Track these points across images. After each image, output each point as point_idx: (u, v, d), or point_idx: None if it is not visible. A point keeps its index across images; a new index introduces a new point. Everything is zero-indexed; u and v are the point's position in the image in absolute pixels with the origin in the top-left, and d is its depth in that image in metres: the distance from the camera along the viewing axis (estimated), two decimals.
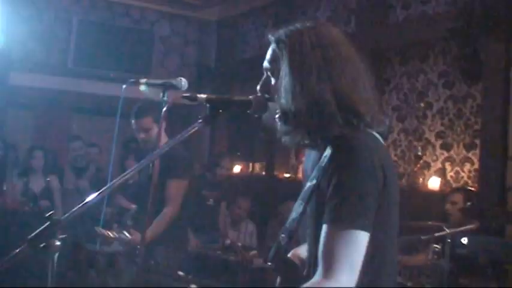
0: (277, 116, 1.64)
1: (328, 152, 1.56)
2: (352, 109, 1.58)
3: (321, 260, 1.46)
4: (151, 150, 3.68)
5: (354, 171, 1.49)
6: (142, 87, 2.88)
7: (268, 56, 1.69)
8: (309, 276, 1.55)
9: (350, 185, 1.48)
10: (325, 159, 1.55)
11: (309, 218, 1.66)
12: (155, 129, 3.69)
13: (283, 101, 1.60)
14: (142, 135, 3.77)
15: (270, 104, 1.68)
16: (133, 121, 3.79)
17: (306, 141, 1.65)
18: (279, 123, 1.64)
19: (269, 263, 1.71)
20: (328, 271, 1.43)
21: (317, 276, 1.47)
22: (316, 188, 1.58)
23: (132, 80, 2.97)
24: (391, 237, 1.62)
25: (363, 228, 1.46)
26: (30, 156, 5.97)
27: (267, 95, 1.68)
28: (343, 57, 1.61)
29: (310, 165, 1.71)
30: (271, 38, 1.69)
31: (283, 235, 1.65)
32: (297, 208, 1.65)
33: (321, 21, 1.74)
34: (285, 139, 1.67)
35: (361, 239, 1.45)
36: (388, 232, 1.60)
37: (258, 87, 1.70)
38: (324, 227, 1.48)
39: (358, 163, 1.50)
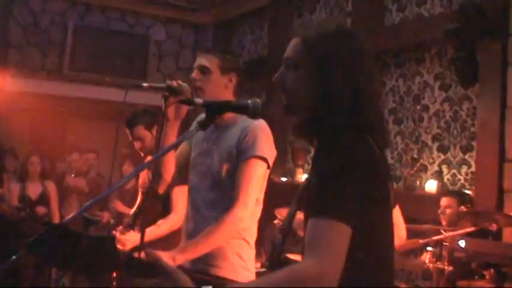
0: (287, 106, 1.66)
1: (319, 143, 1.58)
2: (364, 114, 1.60)
3: (306, 247, 1.46)
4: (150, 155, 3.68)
5: (342, 160, 1.50)
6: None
7: (291, 48, 1.69)
8: None
9: (335, 175, 1.48)
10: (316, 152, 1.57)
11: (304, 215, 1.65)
12: (149, 137, 3.68)
13: (302, 93, 1.62)
14: (138, 145, 3.76)
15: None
16: (127, 131, 3.79)
17: (312, 135, 1.67)
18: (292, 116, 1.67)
19: (266, 266, 1.70)
20: (309, 255, 1.43)
21: (300, 261, 1.47)
22: (307, 185, 1.58)
23: (133, 84, 2.95)
24: (385, 236, 1.62)
25: (344, 219, 1.44)
26: (26, 161, 5.95)
27: (281, 87, 1.69)
28: (366, 63, 1.67)
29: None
30: (297, 31, 1.71)
31: (279, 235, 1.66)
32: (291, 208, 1.66)
33: (344, 23, 1.77)
34: (295, 132, 1.68)
35: (341, 230, 1.44)
36: (380, 231, 1.60)
37: (275, 78, 1.71)
38: (310, 219, 1.48)
39: (349, 153, 1.52)
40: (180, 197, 3.43)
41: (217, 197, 2.46)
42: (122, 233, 3.39)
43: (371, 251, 1.54)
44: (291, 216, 1.67)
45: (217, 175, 2.47)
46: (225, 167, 2.45)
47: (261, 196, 2.53)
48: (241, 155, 2.43)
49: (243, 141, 2.43)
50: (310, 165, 1.61)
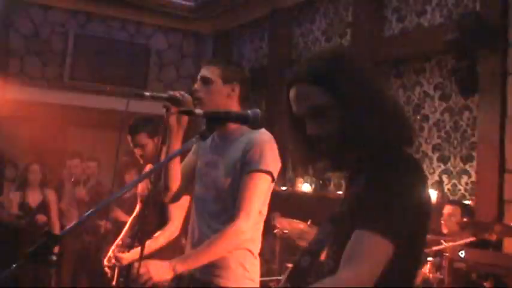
0: (335, 151, 1.59)
1: (369, 168, 1.55)
2: (399, 133, 1.59)
3: (346, 255, 1.45)
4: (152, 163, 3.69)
5: (402, 186, 1.49)
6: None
7: (306, 98, 1.58)
8: None
9: (390, 192, 1.47)
10: (369, 178, 1.53)
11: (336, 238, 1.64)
12: (151, 145, 3.69)
13: (340, 133, 1.55)
14: (138, 152, 3.77)
15: None
16: (129, 138, 3.80)
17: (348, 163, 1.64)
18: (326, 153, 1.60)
19: (288, 286, 1.67)
20: (351, 265, 1.43)
21: (338, 271, 1.45)
22: (349, 212, 1.56)
23: (134, 93, 2.96)
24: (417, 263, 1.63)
25: (390, 237, 1.44)
26: (27, 170, 5.96)
27: (318, 138, 1.59)
28: (377, 80, 1.63)
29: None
30: (301, 78, 1.59)
31: (306, 257, 1.61)
32: (324, 228, 1.63)
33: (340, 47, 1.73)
34: (333, 166, 1.65)
35: (385, 246, 1.43)
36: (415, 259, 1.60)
37: (313, 133, 1.59)
38: (357, 230, 1.46)
39: (410, 179, 1.51)
40: (177, 207, 3.44)
41: (222, 209, 2.46)
42: (120, 251, 3.39)
43: (403, 270, 1.54)
44: (324, 239, 1.64)
45: (222, 187, 2.48)
46: (229, 180, 2.46)
47: (265, 209, 2.54)
48: (245, 167, 2.43)
49: (247, 154, 2.43)
50: (356, 186, 1.58)
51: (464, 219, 4.40)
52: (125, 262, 3.27)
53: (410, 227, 1.49)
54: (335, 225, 1.61)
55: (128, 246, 3.39)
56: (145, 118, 3.75)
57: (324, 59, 1.61)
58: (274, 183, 2.51)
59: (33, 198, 5.86)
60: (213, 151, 2.58)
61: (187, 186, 2.66)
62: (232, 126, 2.49)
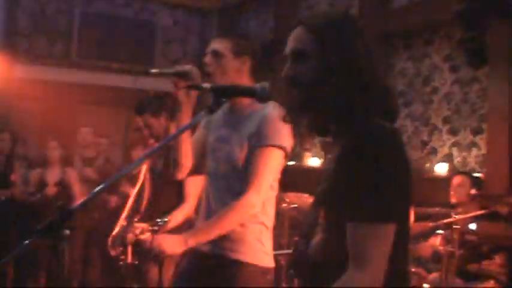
0: (301, 102, 1.59)
1: (350, 142, 1.50)
2: (383, 100, 1.57)
3: (351, 255, 1.44)
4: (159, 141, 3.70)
5: (383, 162, 1.45)
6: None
7: (297, 38, 1.61)
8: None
9: (375, 173, 1.44)
10: (346, 150, 1.50)
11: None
12: (156, 123, 3.69)
13: (313, 85, 1.56)
14: (146, 132, 3.76)
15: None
16: (136, 118, 3.80)
17: (328, 129, 1.62)
18: (302, 109, 1.60)
19: (291, 273, 1.68)
20: (356, 265, 1.42)
21: (348, 271, 1.44)
22: (333, 188, 1.54)
23: (142, 70, 2.95)
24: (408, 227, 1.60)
25: (389, 219, 1.43)
26: (45, 147, 5.94)
27: (292, 80, 1.61)
28: (371, 47, 1.61)
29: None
30: (302, 22, 1.63)
31: (302, 240, 1.62)
32: (313, 210, 1.63)
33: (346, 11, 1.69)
34: (307, 125, 1.64)
35: (386, 231, 1.43)
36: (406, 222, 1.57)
37: (284, 73, 1.63)
38: (350, 223, 1.45)
39: (390, 153, 1.47)
40: (193, 185, 3.45)
41: (234, 183, 2.45)
42: (141, 233, 3.38)
43: (400, 244, 1.51)
44: (313, 222, 1.63)
45: (234, 162, 2.47)
46: (242, 154, 2.45)
47: (275, 183, 2.53)
48: (258, 142, 2.42)
49: (260, 129, 2.43)
50: (334, 158, 1.54)
51: (473, 191, 4.38)
52: (130, 242, 3.27)
53: (401, 201, 1.48)
54: (322, 206, 1.60)
55: (154, 231, 3.38)
56: (148, 98, 3.74)
57: (328, 13, 1.68)
58: (287, 158, 2.50)
59: (52, 175, 5.85)
60: (226, 126, 2.57)
61: (199, 161, 2.65)
62: (245, 101, 2.47)
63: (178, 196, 3.54)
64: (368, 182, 1.43)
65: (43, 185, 5.79)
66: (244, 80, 2.52)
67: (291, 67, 1.61)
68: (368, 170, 1.44)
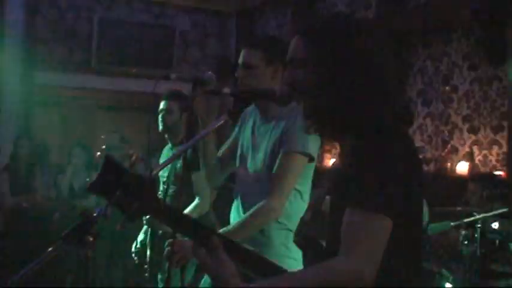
0: (306, 112, 1.60)
1: (358, 142, 1.51)
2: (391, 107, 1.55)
3: (342, 241, 1.43)
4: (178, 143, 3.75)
5: (383, 154, 1.46)
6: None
7: (297, 49, 1.62)
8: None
9: (374, 166, 1.44)
10: (353, 150, 1.51)
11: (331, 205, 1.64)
12: (176, 115, 3.74)
13: (317, 95, 1.55)
14: (166, 117, 3.81)
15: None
16: (162, 102, 3.85)
17: (334, 136, 1.64)
18: (307, 119, 1.61)
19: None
20: (346, 250, 1.40)
21: (337, 257, 1.43)
22: (339, 172, 1.56)
23: (162, 75, 2.98)
24: (418, 232, 1.59)
25: (383, 211, 1.41)
26: (70, 153, 6.01)
27: (293, 89, 1.62)
28: (379, 51, 1.58)
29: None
30: (301, 31, 1.64)
31: (308, 212, 1.64)
32: (321, 188, 1.65)
33: (344, 13, 1.69)
34: (321, 132, 1.65)
35: (380, 222, 1.41)
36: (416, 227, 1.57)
37: (286, 82, 1.64)
38: (346, 211, 1.44)
39: (390, 147, 1.47)
40: (200, 181, 3.48)
41: (262, 190, 2.45)
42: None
43: (405, 247, 1.50)
44: (321, 197, 1.66)
45: (262, 169, 2.49)
46: (269, 161, 2.46)
47: (307, 196, 2.53)
48: (282, 148, 2.43)
49: (285, 135, 2.43)
50: (343, 158, 1.56)
51: (484, 193, 4.34)
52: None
53: (403, 202, 1.46)
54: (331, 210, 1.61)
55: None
56: (181, 94, 3.84)
57: (326, 19, 1.66)
58: (313, 162, 2.49)
59: (78, 180, 5.90)
60: (256, 133, 2.58)
61: (224, 165, 2.68)
62: (274, 107, 2.45)
63: (192, 196, 3.63)
64: (370, 177, 1.43)
65: (72, 190, 5.86)
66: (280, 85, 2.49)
67: (288, 75, 1.63)
68: (372, 168, 1.44)
